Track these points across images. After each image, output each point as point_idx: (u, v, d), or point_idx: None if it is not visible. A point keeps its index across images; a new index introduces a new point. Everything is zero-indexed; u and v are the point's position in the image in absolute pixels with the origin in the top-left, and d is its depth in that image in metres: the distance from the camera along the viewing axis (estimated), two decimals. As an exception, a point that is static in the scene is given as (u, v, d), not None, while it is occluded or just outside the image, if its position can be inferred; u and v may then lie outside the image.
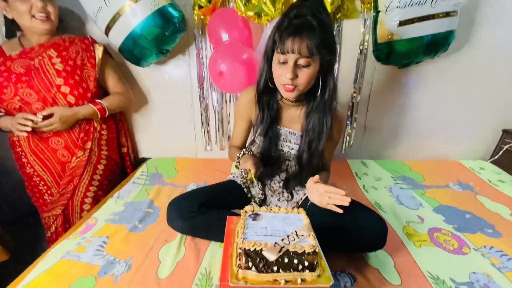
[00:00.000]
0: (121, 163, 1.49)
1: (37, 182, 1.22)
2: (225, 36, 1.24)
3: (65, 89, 1.15)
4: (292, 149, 0.95)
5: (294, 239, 0.58)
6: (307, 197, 0.96)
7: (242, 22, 1.26)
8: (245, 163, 0.88)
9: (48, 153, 1.19)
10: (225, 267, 0.59)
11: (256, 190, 0.98)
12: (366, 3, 1.29)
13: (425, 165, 1.52)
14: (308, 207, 0.92)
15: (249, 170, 0.85)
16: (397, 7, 1.14)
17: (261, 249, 0.55)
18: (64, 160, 1.21)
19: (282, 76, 0.78)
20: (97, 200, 1.25)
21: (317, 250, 0.56)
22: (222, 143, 1.58)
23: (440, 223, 1.03)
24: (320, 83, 0.81)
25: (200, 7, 1.26)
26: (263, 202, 0.99)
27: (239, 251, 0.57)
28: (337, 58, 0.86)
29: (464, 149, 1.61)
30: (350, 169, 1.46)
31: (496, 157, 1.51)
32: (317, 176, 0.81)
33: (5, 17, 1.13)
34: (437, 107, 1.51)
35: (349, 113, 1.50)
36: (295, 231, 0.61)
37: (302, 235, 0.60)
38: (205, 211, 0.86)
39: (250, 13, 1.22)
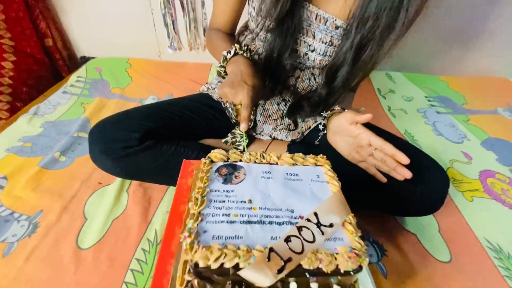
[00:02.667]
0: (49, 63, 1.04)
1: None
2: None
3: None
4: (314, 50, 0.53)
5: (314, 237, 0.26)
6: (317, 126, 0.62)
7: None
8: (235, 85, 0.44)
9: None
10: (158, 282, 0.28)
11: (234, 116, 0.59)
12: None
13: (467, 82, 1.15)
14: (319, 142, 0.59)
15: (240, 105, 0.44)
16: None
17: (238, 266, 0.23)
18: None
19: None
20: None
21: (364, 263, 0.25)
22: (194, 38, 1.10)
23: (493, 164, 0.75)
24: None
25: None
26: (251, 130, 0.64)
27: (188, 266, 0.25)
28: None
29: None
30: (371, 83, 1.08)
31: (560, 74, 1.15)
32: (366, 116, 0.42)
33: None
34: (494, 4, 1.03)
35: None
36: (315, 214, 0.28)
37: (331, 225, 0.27)
38: (151, 146, 0.51)
39: None
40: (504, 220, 0.59)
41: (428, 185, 0.47)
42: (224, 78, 0.53)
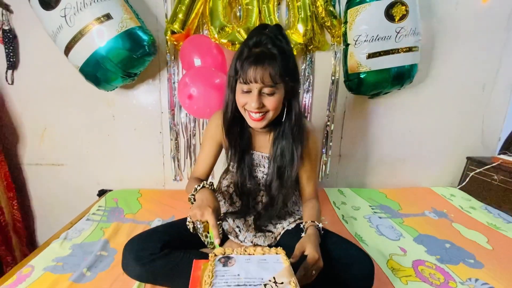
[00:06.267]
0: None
1: None
2: (198, 62, 1.21)
3: None
4: (266, 174, 0.88)
5: (273, 288, 0.49)
6: (286, 231, 0.88)
7: (215, 48, 1.25)
8: (202, 208, 0.67)
9: None
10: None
11: (207, 239, 0.69)
12: (336, 36, 1.36)
13: (400, 193, 1.52)
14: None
15: (206, 222, 0.65)
16: (365, 41, 1.20)
17: (233, 305, 0.45)
18: None
19: (246, 104, 0.73)
20: None
21: (300, 301, 0.47)
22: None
23: (423, 255, 0.99)
24: (286, 108, 0.78)
25: (173, 32, 1.23)
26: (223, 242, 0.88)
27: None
28: (300, 83, 0.80)
29: (434, 176, 1.65)
30: (328, 198, 1.41)
31: (463, 183, 1.56)
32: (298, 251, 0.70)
33: None
34: (406, 135, 1.57)
35: (323, 141, 1.50)
36: (274, 278, 0.51)
37: (282, 283, 0.50)
38: (168, 253, 0.74)
39: (224, 40, 1.21)
40: (431, 297, 0.78)
41: (356, 268, 0.71)
42: (193, 203, 0.79)
